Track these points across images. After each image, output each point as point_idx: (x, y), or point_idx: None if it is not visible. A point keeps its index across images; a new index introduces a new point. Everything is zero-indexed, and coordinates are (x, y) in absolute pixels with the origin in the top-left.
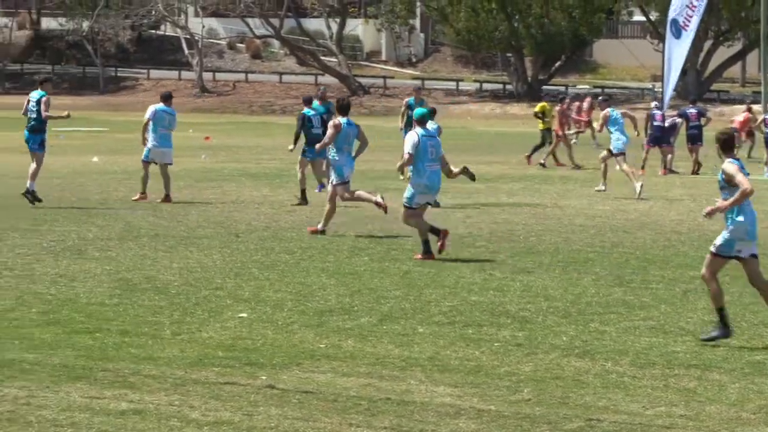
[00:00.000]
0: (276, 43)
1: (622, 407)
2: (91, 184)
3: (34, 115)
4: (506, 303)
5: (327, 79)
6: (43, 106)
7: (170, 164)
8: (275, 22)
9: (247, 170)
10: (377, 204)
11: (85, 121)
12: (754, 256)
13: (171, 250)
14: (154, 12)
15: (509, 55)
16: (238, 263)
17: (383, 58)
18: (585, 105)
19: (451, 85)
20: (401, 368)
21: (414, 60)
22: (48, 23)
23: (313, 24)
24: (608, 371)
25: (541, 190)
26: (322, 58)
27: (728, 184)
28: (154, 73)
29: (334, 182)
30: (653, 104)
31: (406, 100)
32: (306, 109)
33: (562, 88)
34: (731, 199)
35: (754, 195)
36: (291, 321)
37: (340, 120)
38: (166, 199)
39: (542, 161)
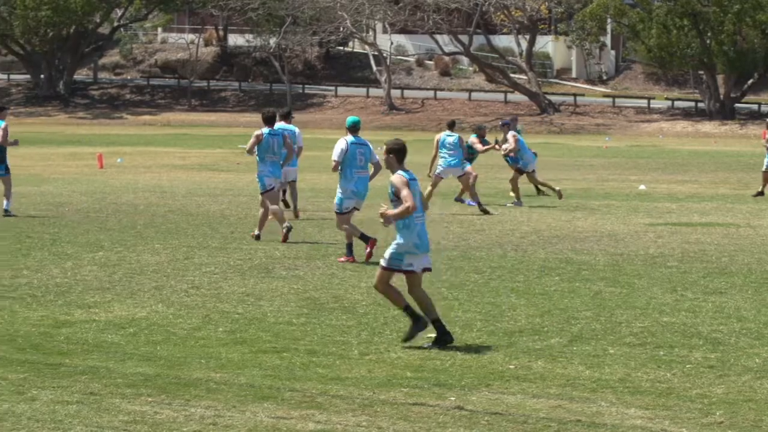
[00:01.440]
0: (465, 60)
1: None
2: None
3: None
4: (698, 324)
5: (516, 96)
6: (2, 135)
7: (294, 181)
8: (464, 38)
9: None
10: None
11: None
12: (427, 269)
13: (359, 269)
14: (342, 29)
15: (701, 72)
16: (426, 283)
17: (573, 75)
18: None
19: (642, 102)
20: (591, 390)
21: (604, 77)
22: (235, 40)
23: (502, 41)
24: None
25: (734, 210)
26: (512, 75)
27: (396, 197)
28: (342, 90)
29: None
30: None
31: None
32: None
33: (755, 107)
34: (396, 211)
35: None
36: (480, 341)
37: (262, 131)
38: (296, 214)
39: None
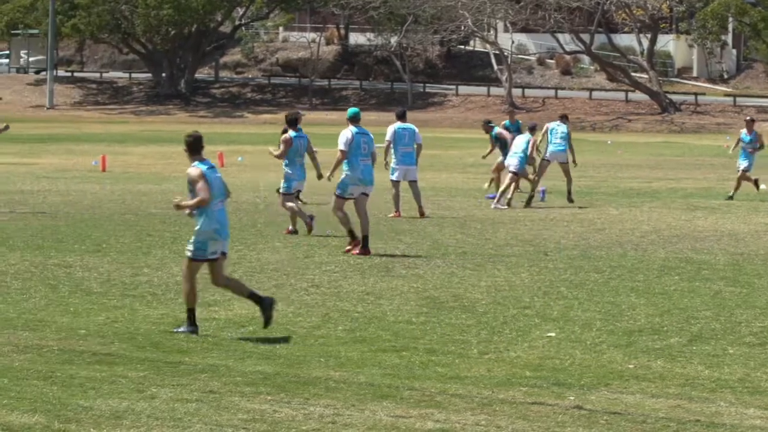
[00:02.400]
0: (586, 59)
1: None
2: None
3: None
4: None
5: (637, 95)
6: None
7: (414, 180)
8: (585, 37)
9: (557, 187)
10: (306, 222)
11: None
12: (224, 254)
13: (478, 268)
14: (463, 27)
15: None
16: (547, 282)
17: (694, 74)
18: None
19: (764, 102)
20: (711, 390)
21: (726, 76)
22: (356, 38)
23: (623, 40)
24: None
25: None
26: (633, 74)
27: (192, 186)
28: (463, 89)
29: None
30: None
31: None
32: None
33: None
34: (190, 202)
35: None
36: (600, 341)
37: (290, 134)
38: (421, 214)
39: None
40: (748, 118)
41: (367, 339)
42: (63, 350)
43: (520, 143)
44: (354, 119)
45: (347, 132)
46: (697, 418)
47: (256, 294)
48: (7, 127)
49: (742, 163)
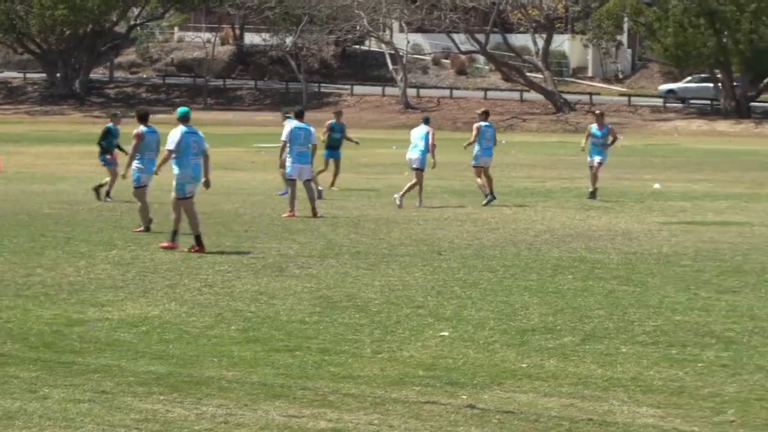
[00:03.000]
0: (481, 58)
1: None
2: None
3: None
4: (711, 323)
5: (532, 95)
6: None
7: (309, 180)
8: (481, 37)
9: (451, 187)
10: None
11: None
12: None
13: (372, 267)
14: (358, 27)
15: (717, 71)
16: (440, 281)
17: (590, 74)
18: None
19: (658, 101)
20: (603, 388)
21: (621, 76)
22: (251, 38)
23: (519, 39)
24: None
25: (748, 209)
26: (528, 74)
27: None
28: (358, 89)
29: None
30: None
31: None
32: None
33: None
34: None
35: None
36: (493, 340)
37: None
38: (314, 214)
39: None
40: (597, 111)
41: (260, 339)
42: None
43: (417, 136)
44: (184, 119)
45: (177, 132)
46: (590, 417)
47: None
48: None
49: (596, 158)
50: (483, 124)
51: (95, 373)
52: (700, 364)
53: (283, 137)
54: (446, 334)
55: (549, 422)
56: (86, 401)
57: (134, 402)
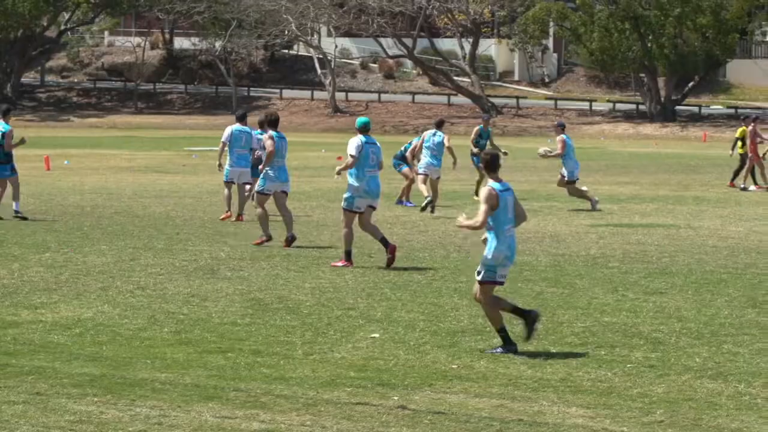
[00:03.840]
0: (409, 63)
1: (755, 429)
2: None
3: None
4: (639, 324)
5: (460, 99)
6: (7, 140)
7: (249, 183)
8: (408, 42)
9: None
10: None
11: (217, 141)
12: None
13: (303, 270)
14: (286, 32)
15: (642, 75)
16: (370, 283)
17: (516, 78)
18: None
19: (584, 105)
20: (533, 389)
21: (547, 80)
22: (181, 43)
23: (446, 44)
24: (741, 393)
25: (675, 211)
26: (455, 78)
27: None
28: (287, 93)
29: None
30: None
31: (477, 128)
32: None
33: (695, 109)
34: (468, 222)
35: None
36: (423, 341)
37: (271, 134)
38: (239, 218)
39: (743, 185)
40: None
41: (192, 341)
42: None
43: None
44: (364, 129)
45: (357, 140)
46: (520, 417)
47: (519, 307)
48: (23, 140)
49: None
50: (428, 133)
51: (29, 375)
52: (628, 365)
53: (223, 139)
54: (377, 335)
55: (480, 423)
56: (21, 403)
57: (69, 404)
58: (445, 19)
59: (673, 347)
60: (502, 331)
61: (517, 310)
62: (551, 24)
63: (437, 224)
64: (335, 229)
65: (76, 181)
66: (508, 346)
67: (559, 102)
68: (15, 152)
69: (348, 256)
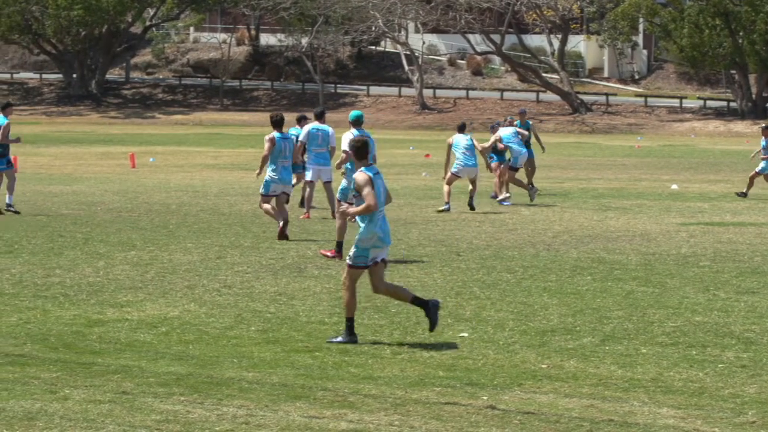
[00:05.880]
0: (497, 59)
1: None
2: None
3: None
4: (731, 324)
5: (548, 95)
6: (3, 132)
7: (330, 181)
8: (496, 38)
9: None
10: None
11: None
12: (384, 261)
13: (391, 268)
14: (374, 28)
15: (733, 71)
16: (459, 282)
17: (605, 75)
18: None
19: (675, 102)
20: (624, 389)
21: (637, 77)
22: (267, 39)
23: (534, 40)
24: None
25: (766, 209)
26: (544, 74)
27: (358, 192)
28: (374, 90)
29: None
30: None
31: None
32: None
33: None
34: (357, 209)
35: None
36: (513, 341)
37: (274, 134)
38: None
39: None
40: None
41: (279, 340)
42: None
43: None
44: (356, 123)
45: (349, 135)
46: (611, 418)
47: (419, 298)
48: (18, 140)
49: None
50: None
51: (115, 374)
52: (720, 365)
53: (301, 138)
54: (466, 335)
55: (570, 423)
56: (107, 402)
57: (155, 403)
58: (534, 15)
59: (765, 347)
60: (349, 321)
61: (416, 300)
62: (641, 20)
63: (527, 223)
64: (423, 227)
65: (161, 179)
66: (350, 336)
67: (649, 99)
68: (25, 149)
69: (339, 246)
